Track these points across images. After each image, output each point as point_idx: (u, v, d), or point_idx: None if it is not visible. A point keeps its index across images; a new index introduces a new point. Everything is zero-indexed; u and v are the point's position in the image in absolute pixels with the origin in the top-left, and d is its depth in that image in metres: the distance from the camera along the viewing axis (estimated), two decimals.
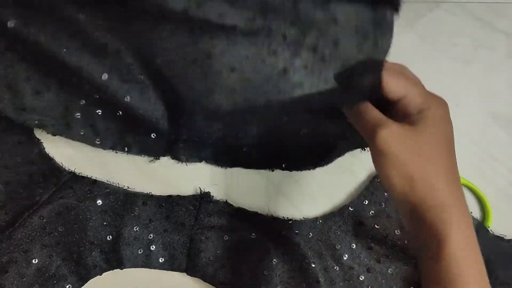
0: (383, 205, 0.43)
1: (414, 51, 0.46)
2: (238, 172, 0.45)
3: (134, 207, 0.43)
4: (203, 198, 0.44)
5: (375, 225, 0.43)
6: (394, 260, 0.43)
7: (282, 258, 0.42)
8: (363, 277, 0.43)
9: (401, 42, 0.47)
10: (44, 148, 0.44)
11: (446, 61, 0.46)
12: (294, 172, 0.45)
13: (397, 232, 0.43)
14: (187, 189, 0.45)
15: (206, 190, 0.44)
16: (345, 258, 0.43)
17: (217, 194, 0.45)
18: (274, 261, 0.41)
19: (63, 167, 0.44)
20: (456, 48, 0.47)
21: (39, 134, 0.44)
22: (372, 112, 0.31)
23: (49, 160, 0.44)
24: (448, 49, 0.47)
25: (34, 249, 0.42)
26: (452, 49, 0.47)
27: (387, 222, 0.43)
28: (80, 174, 0.44)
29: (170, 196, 0.44)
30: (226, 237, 0.43)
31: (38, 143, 0.44)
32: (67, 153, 0.44)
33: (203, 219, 0.43)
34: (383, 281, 0.43)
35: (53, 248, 0.42)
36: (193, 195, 0.44)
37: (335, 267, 0.43)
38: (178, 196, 0.44)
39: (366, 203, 0.44)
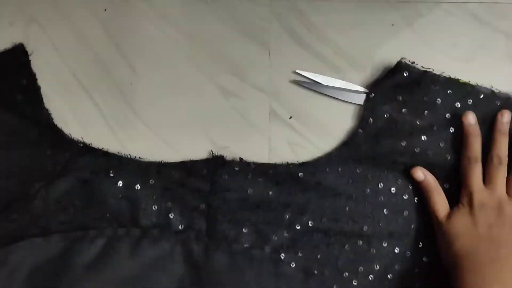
0: (388, 115, 0.44)
1: (414, 51, 0.46)
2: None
3: (149, 177, 0.43)
4: (216, 160, 0.44)
5: (389, 137, 0.44)
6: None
7: (303, 206, 0.43)
8: (394, 189, 0.44)
9: (401, 42, 0.47)
10: (53, 119, 0.44)
11: (446, 61, 0.46)
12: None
13: (403, 143, 0.44)
14: (200, 154, 0.45)
15: (219, 153, 0.44)
16: (370, 179, 0.44)
17: (230, 155, 0.44)
18: (298, 212, 0.43)
19: (73, 138, 0.44)
20: (456, 48, 0.47)
21: (48, 104, 0.45)
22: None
23: (57, 131, 0.44)
24: (448, 49, 0.47)
25: (51, 226, 0.42)
26: (452, 49, 0.47)
27: (398, 128, 0.44)
28: (91, 145, 0.44)
29: (183, 162, 0.44)
30: (243, 198, 0.43)
31: (47, 113, 0.44)
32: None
33: (219, 182, 0.43)
34: (411, 186, 0.44)
35: (70, 225, 0.42)
36: (206, 159, 0.44)
37: (365, 190, 0.44)
38: (191, 161, 0.44)
39: (371, 121, 0.44)
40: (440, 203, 0.42)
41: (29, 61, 0.46)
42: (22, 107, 0.44)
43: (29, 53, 0.46)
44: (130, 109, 0.46)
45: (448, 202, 0.43)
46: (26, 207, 0.42)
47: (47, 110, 0.45)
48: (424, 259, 0.43)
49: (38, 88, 0.45)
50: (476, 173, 0.41)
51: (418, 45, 0.47)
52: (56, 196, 0.42)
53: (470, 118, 0.42)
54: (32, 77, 0.45)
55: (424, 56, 0.46)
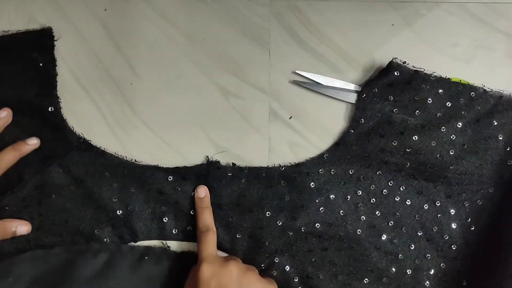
0: (379, 115, 0.44)
1: (414, 51, 0.46)
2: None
3: (143, 181, 0.44)
4: (210, 166, 0.44)
5: (380, 137, 0.44)
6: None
7: (296, 210, 0.44)
8: (386, 191, 0.44)
9: (401, 42, 0.47)
10: (61, 108, 0.44)
11: (446, 61, 0.46)
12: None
13: (394, 143, 0.44)
14: (200, 154, 0.45)
15: (215, 158, 0.45)
16: (363, 180, 0.44)
17: (229, 155, 0.45)
18: (291, 217, 0.43)
19: (74, 131, 0.44)
20: (456, 48, 0.47)
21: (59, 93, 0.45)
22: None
23: (62, 121, 0.44)
24: (448, 49, 0.47)
25: (45, 230, 0.42)
26: (452, 49, 0.47)
27: (390, 128, 0.44)
28: (89, 142, 0.44)
29: (177, 168, 0.44)
30: (237, 203, 0.44)
31: (56, 101, 0.44)
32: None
33: (213, 187, 0.44)
34: (403, 188, 0.44)
35: (63, 226, 0.42)
36: (200, 165, 0.44)
37: (357, 192, 0.44)
38: (185, 167, 0.44)
39: (362, 121, 0.45)
40: (211, 244, 0.41)
41: (53, 46, 0.45)
42: (32, 89, 0.44)
43: (55, 39, 0.46)
44: (130, 109, 0.46)
45: (442, 201, 0.44)
46: (18, 196, 0.42)
47: (57, 98, 0.45)
48: (416, 261, 0.43)
49: (54, 75, 0.45)
50: (207, 239, 0.41)
51: (418, 45, 0.47)
52: (50, 190, 0.42)
53: (200, 192, 0.43)
54: (51, 62, 0.45)
55: (424, 56, 0.46)
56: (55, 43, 0.46)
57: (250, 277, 0.39)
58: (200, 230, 0.41)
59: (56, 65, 0.45)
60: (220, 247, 0.43)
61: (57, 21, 0.46)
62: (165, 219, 0.43)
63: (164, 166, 0.44)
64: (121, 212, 0.43)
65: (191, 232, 0.43)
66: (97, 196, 0.43)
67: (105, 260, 0.42)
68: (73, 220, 0.43)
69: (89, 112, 0.46)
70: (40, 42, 0.45)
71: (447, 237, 0.43)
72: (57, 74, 0.45)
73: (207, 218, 0.42)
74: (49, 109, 0.44)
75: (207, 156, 0.45)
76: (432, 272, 0.43)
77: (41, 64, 0.45)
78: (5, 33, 0.45)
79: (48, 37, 0.45)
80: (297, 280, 0.43)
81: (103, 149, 0.44)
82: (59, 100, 0.45)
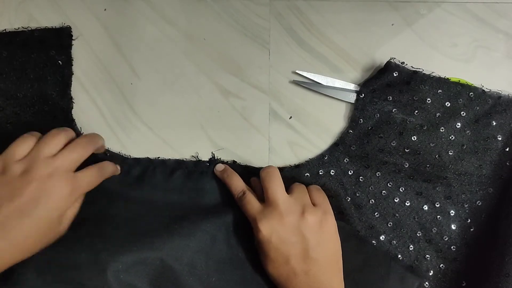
0: (378, 116, 0.44)
1: (414, 51, 0.46)
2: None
3: (146, 176, 0.43)
4: (212, 162, 0.44)
5: (379, 137, 0.44)
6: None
7: None
8: (385, 192, 0.44)
9: (401, 42, 0.47)
10: (72, 108, 0.45)
11: (446, 61, 0.46)
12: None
13: (393, 143, 0.44)
14: (200, 154, 0.45)
15: (216, 155, 0.45)
16: (362, 181, 0.44)
17: (226, 156, 0.45)
18: None
19: (81, 132, 0.44)
20: (456, 48, 0.47)
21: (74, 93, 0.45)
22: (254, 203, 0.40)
23: (70, 122, 0.44)
24: (448, 49, 0.47)
25: None
26: (452, 49, 0.47)
27: (389, 128, 0.44)
28: None
29: (181, 162, 0.44)
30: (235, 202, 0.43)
31: (69, 101, 0.44)
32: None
33: (213, 182, 0.44)
34: (402, 189, 0.44)
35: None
36: (203, 160, 0.44)
37: (356, 193, 0.44)
38: (190, 161, 0.44)
39: (361, 122, 0.44)
40: (254, 203, 0.40)
41: (71, 45, 0.45)
42: (50, 87, 0.44)
43: (73, 38, 0.46)
44: (130, 109, 0.46)
45: (438, 201, 0.44)
46: None
47: (71, 98, 0.45)
48: (415, 262, 0.43)
49: (70, 74, 0.45)
50: (248, 200, 0.40)
51: (418, 45, 0.47)
52: None
53: (219, 167, 0.43)
54: (68, 61, 0.45)
55: (424, 56, 0.46)
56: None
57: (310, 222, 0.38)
58: (237, 196, 0.41)
59: (72, 65, 0.45)
60: None
61: (57, 21, 0.46)
62: None
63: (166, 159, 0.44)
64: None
65: None
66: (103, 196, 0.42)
67: (139, 173, 0.43)
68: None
69: (89, 112, 0.46)
70: (59, 40, 0.45)
71: (447, 238, 0.43)
72: (73, 74, 0.45)
73: (237, 182, 0.42)
74: (61, 109, 0.44)
75: (212, 153, 0.45)
76: (431, 273, 0.43)
77: (59, 62, 0.45)
78: (25, 29, 0.45)
79: (67, 36, 0.45)
80: None
81: (106, 147, 0.44)
82: (72, 100, 0.45)
